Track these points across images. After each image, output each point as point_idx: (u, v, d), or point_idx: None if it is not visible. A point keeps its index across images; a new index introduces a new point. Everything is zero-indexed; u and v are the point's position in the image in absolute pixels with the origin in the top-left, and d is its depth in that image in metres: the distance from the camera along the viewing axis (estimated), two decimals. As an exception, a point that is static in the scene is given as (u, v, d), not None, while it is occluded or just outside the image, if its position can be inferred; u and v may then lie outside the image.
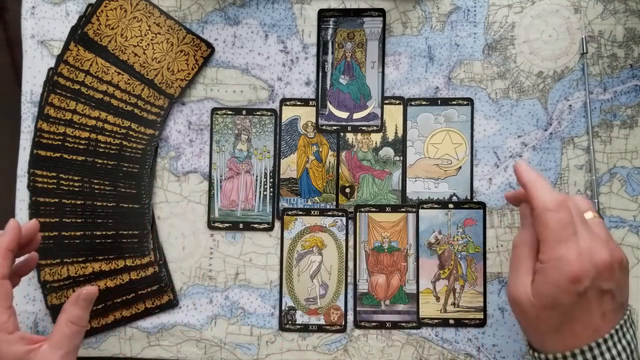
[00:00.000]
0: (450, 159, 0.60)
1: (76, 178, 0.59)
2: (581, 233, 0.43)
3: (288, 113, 0.60)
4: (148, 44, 0.59)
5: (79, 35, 0.59)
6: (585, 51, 0.58)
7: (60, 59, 0.59)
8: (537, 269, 0.44)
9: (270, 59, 0.60)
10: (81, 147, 0.59)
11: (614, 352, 0.41)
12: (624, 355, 0.41)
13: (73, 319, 0.49)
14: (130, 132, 0.59)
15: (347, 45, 0.60)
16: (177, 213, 0.60)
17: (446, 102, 0.60)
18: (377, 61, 0.60)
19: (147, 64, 0.60)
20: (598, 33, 0.59)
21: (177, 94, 0.59)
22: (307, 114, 0.60)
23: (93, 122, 0.59)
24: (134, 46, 0.59)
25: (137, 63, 0.59)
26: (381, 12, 0.60)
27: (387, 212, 0.59)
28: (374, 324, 0.59)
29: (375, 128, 0.60)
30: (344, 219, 0.59)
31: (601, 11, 0.59)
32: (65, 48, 0.59)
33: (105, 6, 0.59)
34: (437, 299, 0.59)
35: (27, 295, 0.59)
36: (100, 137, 0.59)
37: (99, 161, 0.59)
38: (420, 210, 0.59)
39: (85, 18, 0.59)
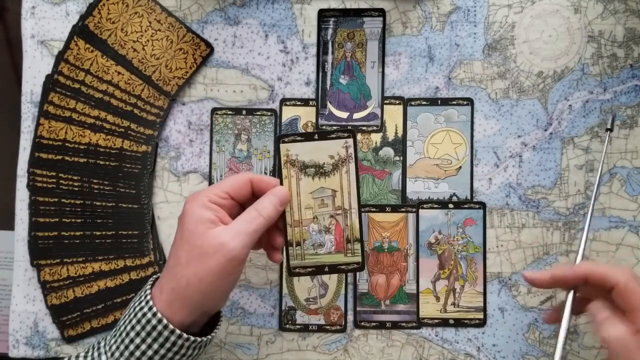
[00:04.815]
0: (450, 159, 0.60)
1: (76, 178, 0.59)
2: None
3: (288, 113, 0.60)
4: (148, 40, 0.59)
5: (79, 27, 0.59)
6: (610, 128, 0.55)
7: (60, 57, 0.59)
8: None
9: (270, 59, 0.60)
10: (81, 147, 0.59)
11: None
12: None
13: (258, 206, 0.47)
14: (130, 132, 0.59)
15: (347, 45, 0.60)
16: (177, 213, 0.59)
17: (446, 102, 0.60)
18: (377, 61, 0.60)
19: (146, 60, 0.59)
20: (598, 33, 0.59)
21: (174, 91, 0.59)
22: (307, 114, 0.60)
23: (92, 121, 0.59)
24: (134, 41, 0.59)
25: (135, 58, 0.59)
26: (381, 12, 0.60)
27: (387, 212, 0.59)
28: (374, 324, 0.59)
29: (375, 128, 0.60)
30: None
31: (601, 11, 0.59)
32: (66, 47, 0.59)
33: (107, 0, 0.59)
34: (437, 299, 0.59)
35: (27, 295, 0.59)
36: (100, 137, 0.59)
37: (99, 161, 0.59)
38: (420, 210, 0.59)
39: (87, 10, 0.59)
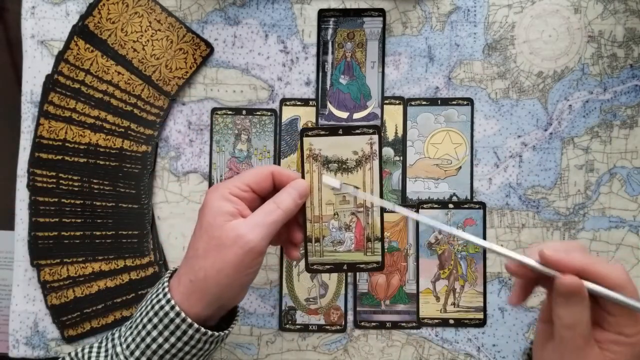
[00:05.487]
0: (450, 159, 0.60)
1: (76, 178, 0.59)
2: None
3: (288, 113, 0.60)
4: (148, 40, 0.59)
5: (79, 27, 0.59)
6: None
7: (60, 57, 0.59)
8: (634, 343, 0.39)
9: (270, 59, 0.60)
10: (81, 147, 0.59)
11: None
12: None
13: (277, 199, 0.47)
14: (130, 132, 0.59)
15: (347, 45, 0.60)
16: (177, 213, 0.60)
17: (446, 102, 0.60)
18: (377, 61, 0.60)
19: (146, 60, 0.59)
20: (598, 33, 0.59)
21: (174, 91, 0.59)
22: (307, 114, 0.60)
23: (92, 121, 0.59)
24: (134, 41, 0.59)
25: (135, 58, 0.59)
26: (381, 12, 0.60)
27: (387, 212, 0.59)
28: (374, 324, 0.59)
29: (375, 128, 0.60)
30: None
31: (601, 11, 0.59)
32: (66, 47, 0.59)
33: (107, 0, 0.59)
34: (437, 299, 0.59)
35: (27, 295, 0.59)
36: (100, 137, 0.59)
37: (99, 161, 0.59)
38: (420, 210, 0.59)
39: (87, 10, 0.59)
